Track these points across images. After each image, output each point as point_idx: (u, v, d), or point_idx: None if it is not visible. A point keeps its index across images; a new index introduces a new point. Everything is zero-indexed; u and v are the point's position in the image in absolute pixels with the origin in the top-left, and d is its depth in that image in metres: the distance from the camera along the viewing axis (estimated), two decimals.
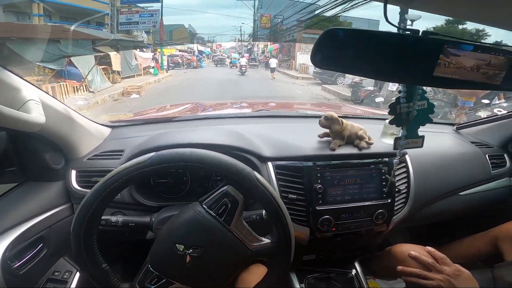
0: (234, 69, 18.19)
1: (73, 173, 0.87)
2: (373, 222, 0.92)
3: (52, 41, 6.96)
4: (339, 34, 0.52)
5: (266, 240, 0.67)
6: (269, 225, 0.68)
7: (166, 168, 0.60)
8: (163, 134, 0.99)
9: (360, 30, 0.52)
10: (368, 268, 1.11)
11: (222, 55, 24.75)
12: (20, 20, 9.85)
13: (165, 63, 16.41)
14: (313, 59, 0.53)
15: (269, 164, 0.91)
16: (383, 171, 0.92)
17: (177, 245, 0.62)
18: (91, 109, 6.45)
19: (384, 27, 0.56)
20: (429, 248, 0.90)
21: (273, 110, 1.57)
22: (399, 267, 0.90)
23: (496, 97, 3.74)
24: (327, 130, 0.95)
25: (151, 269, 0.65)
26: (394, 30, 0.52)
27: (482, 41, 0.86)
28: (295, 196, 0.88)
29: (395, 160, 0.69)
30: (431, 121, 0.62)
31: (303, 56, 16.43)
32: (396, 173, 0.96)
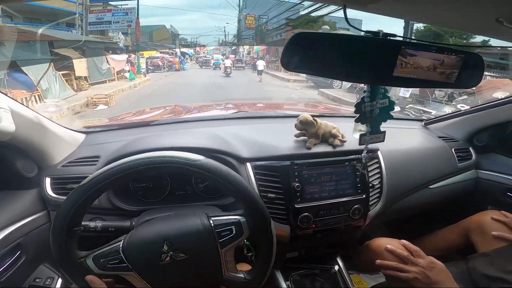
0: (218, 70, 17.87)
1: (48, 180, 0.87)
2: (350, 217, 0.95)
3: None
4: (307, 38, 0.54)
5: (240, 275, 0.68)
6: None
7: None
8: (141, 138, 0.98)
9: (325, 34, 0.55)
10: (350, 263, 1.15)
11: (206, 57, 24.41)
12: None
13: (143, 66, 15.37)
14: (283, 62, 0.55)
15: (248, 164, 0.92)
16: (356, 167, 0.96)
17: (166, 242, 0.62)
18: None
19: (366, 26, 0.58)
20: (404, 241, 0.93)
21: (251, 111, 1.60)
22: (378, 261, 0.92)
23: None
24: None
25: (120, 251, 0.63)
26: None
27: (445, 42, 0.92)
28: (274, 195, 0.90)
29: (363, 154, 0.74)
30: (391, 118, 0.67)
31: None
32: (369, 169, 1.00)
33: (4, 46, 6.65)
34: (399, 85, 0.59)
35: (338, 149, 0.98)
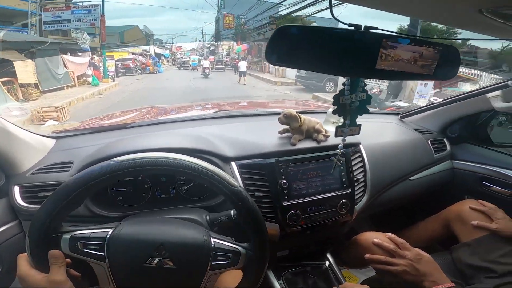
0: (196, 72, 17.60)
1: (16, 189, 0.82)
2: (337, 212, 0.96)
3: None
4: (291, 31, 0.53)
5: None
6: (238, 225, 0.68)
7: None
8: (117, 141, 0.93)
9: (309, 27, 0.54)
10: (340, 258, 1.16)
11: (184, 58, 23.91)
12: None
13: (112, 68, 13.93)
14: (267, 56, 0.54)
15: (233, 164, 0.90)
16: (341, 161, 0.97)
17: (161, 246, 0.58)
18: None
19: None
20: (390, 234, 0.94)
21: (233, 110, 1.57)
22: (366, 255, 0.92)
23: None
24: (286, 126, 0.98)
25: (107, 238, 0.58)
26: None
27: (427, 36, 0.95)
28: (261, 194, 0.89)
29: (340, 145, 0.74)
30: (368, 111, 0.68)
31: None
32: (353, 163, 1.02)
33: None
34: (381, 78, 0.59)
35: (322, 144, 0.98)
